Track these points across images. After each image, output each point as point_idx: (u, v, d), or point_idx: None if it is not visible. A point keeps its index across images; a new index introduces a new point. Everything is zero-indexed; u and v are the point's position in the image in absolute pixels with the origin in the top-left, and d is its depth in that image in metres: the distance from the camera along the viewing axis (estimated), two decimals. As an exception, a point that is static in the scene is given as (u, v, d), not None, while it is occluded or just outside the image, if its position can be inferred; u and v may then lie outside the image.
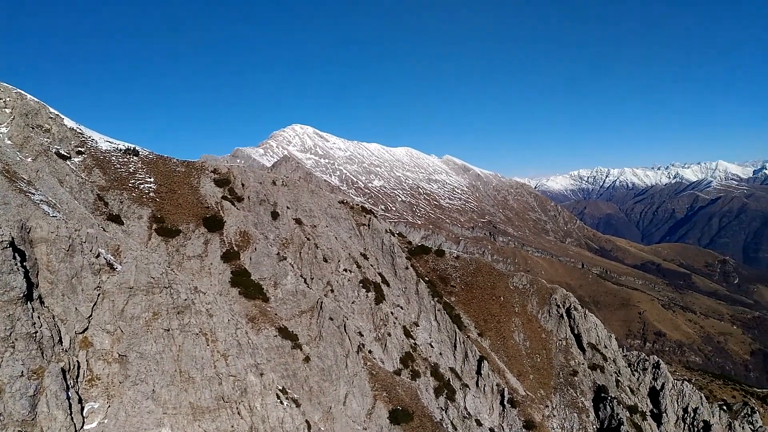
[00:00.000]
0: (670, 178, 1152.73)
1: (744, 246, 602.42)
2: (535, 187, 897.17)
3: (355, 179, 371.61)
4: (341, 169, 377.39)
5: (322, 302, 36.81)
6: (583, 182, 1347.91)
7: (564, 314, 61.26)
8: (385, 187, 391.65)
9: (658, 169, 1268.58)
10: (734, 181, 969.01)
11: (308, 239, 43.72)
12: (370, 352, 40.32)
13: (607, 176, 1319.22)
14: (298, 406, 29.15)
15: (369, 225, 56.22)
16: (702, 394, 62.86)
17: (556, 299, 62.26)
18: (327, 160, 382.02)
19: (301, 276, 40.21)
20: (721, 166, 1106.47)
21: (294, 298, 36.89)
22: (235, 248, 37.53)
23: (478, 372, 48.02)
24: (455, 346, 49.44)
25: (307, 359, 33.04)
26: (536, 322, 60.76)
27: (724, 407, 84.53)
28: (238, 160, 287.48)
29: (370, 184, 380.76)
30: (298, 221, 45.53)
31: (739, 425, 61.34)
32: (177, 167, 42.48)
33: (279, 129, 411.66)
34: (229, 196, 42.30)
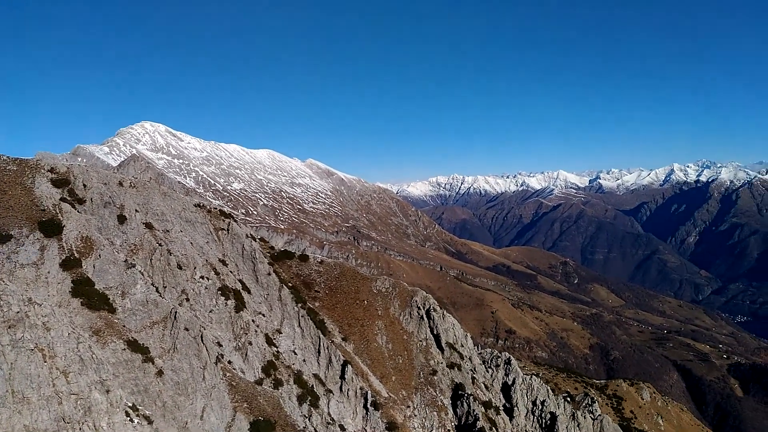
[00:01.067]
0: (518, 185, 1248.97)
1: (582, 248, 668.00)
2: (397, 193, 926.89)
3: (212, 182, 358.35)
4: (197, 170, 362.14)
5: (176, 312, 34.97)
6: (441, 188, 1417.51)
7: (424, 315, 63.74)
8: (246, 191, 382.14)
9: (507, 177, 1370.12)
10: (573, 190, 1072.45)
11: (160, 245, 41.32)
12: (229, 362, 39.02)
13: (462, 183, 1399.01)
14: (150, 423, 27.42)
15: (228, 230, 54.47)
16: (548, 387, 68.60)
17: (416, 301, 64.58)
18: (181, 161, 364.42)
19: (152, 284, 37.86)
20: (562, 176, 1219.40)
21: (145, 308, 34.65)
22: (77, 255, 34.43)
23: (342, 377, 48.43)
24: (319, 352, 49.44)
25: (160, 373, 31.18)
26: (398, 324, 62.62)
27: (568, 398, 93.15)
28: (80, 159, 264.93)
29: (229, 187, 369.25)
30: (149, 226, 42.85)
31: (581, 415, 67.67)
32: (8, 165, 38.08)
33: (127, 126, 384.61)
34: (68, 198, 38.72)
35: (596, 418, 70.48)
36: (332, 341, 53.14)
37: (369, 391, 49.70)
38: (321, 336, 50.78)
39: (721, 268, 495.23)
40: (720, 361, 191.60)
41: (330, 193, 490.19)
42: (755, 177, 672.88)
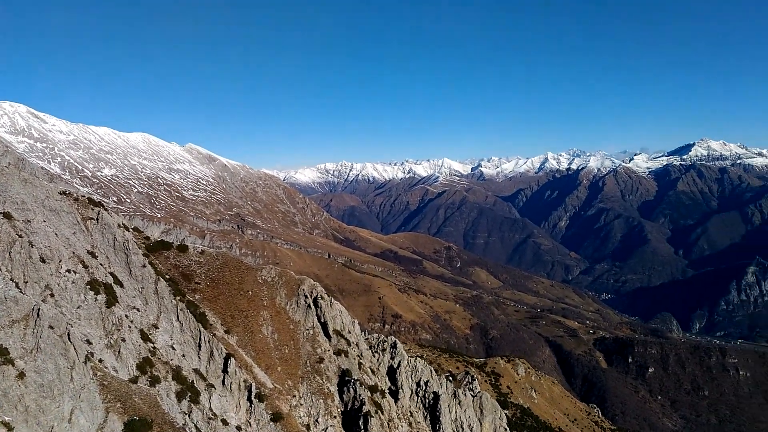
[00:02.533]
0: (405, 173, 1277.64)
1: (464, 234, 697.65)
2: (284, 180, 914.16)
3: (80, 167, 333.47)
4: (63, 155, 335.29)
5: (39, 309, 32.57)
6: (330, 176, 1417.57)
7: (311, 304, 63.96)
8: (118, 177, 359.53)
9: (395, 164, 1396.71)
10: (456, 177, 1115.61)
11: (20, 236, 38.13)
12: (101, 361, 36.99)
13: (351, 170, 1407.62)
14: (10, 429, 25.51)
15: (98, 219, 51.21)
16: (432, 368, 71.58)
17: (303, 290, 64.62)
18: (45, 145, 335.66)
19: (11, 280, 34.94)
20: (446, 163, 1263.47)
21: (3, 305, 31.95)
22: None
23: (225, 370, 47.53)
24: (200, 346, 48.12)
25: (21, 375, 28.99)
26: (285, 313, 62.34)
27: (450, 378, 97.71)
28: None
29: (99, 173, 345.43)
30: (7, 215, 39.37)
31: (462, 393, 71.30)
32: None
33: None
34: None
35: (476, 395, 74.61)
36: (214, 334, 51.93)
37: (253, 383, 49.23)
38: (201, 329, 49.42)
39: (588, 249, 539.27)
40: (587, 336, 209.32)
41: (212, 180, 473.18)
42: (619, 165, 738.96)
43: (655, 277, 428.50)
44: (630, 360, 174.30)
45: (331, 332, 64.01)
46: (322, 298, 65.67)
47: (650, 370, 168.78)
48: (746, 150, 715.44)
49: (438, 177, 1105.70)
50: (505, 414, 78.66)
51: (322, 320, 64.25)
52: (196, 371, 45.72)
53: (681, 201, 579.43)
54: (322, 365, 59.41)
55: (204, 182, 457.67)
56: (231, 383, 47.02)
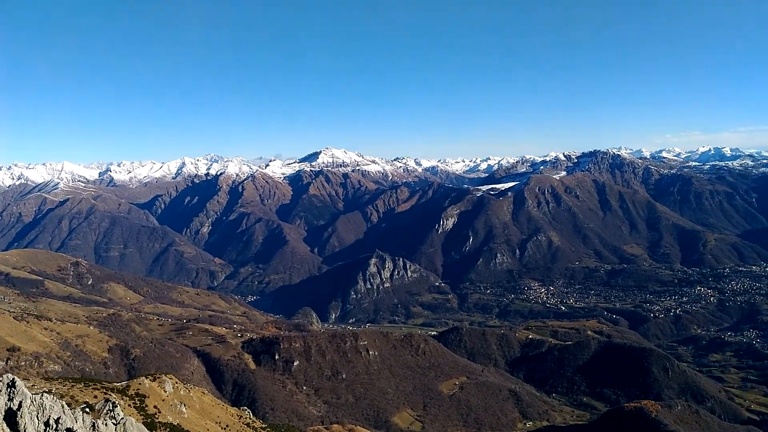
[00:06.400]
0: (14, 179, 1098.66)
1: (96, 246, 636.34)
2: None
3: None
4: None
5: None
6: None
7: None
8: None
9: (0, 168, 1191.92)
10: (82, 183, 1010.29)
11: None
12: None
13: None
14: None
15: None
16: (63, 402, 62.99)
17: None
18: None
19: None
20: (68, 167, 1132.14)
21: None
22: None
23: None
24: None
25: None
26: None
27: (87, 409, 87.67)
28: None
29: None
30: None
31: (102, 423, 64.54)
32: None
33: None
34: None
35: (119, 422, 68.64)
36: None
37: None
38: None
39: (233, 254, 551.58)
40: (235, 340, 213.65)
41: None
42: (257, 170, 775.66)
43: (295, 274, 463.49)
44: (277, 357, 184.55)
45: None
46: None
47: (295, 364, 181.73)
48: (363, 158, 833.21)
49: (58, 183, 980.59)
50: (154, 436, 74.61)
51: None
52: None
53: (313, 204, 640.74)
54: None
55: None
56: None
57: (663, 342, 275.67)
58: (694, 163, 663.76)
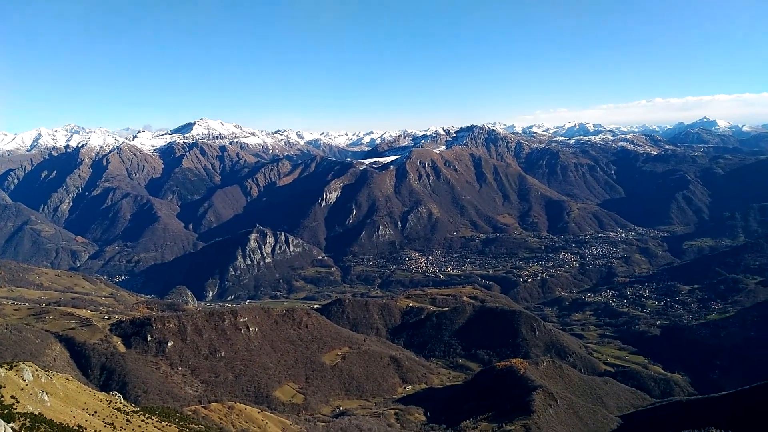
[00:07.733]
0: None
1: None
2: None
3: None
4: None
5: None
6: None
7: None
8: None
9: None
10: None
11: None
12: None
13: None
14: None
15: None
16: None
17: None
18: None
19: None
20: None
21: None
22: None
23: None
24: None
25: None
26: None
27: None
28: None
29: None
30: None
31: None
32: None
33: None
34: None
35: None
36: None
37: None
38: None
39: (97, 232, 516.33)
40: (102, 322, 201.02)
41: None
42: (123, 142, 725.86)
43: (168, 252, 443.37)
44: (149, 338, 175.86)
45: None
46: None
47: (170, 344, 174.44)
48: (241, 130, 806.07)
49: None
50: (11, 428, 69.06)
51: None
52: None
53: (187, 178, 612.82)
54: None
55: None
56: None
57: (531, 304, 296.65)
58: (561, 138, 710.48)
